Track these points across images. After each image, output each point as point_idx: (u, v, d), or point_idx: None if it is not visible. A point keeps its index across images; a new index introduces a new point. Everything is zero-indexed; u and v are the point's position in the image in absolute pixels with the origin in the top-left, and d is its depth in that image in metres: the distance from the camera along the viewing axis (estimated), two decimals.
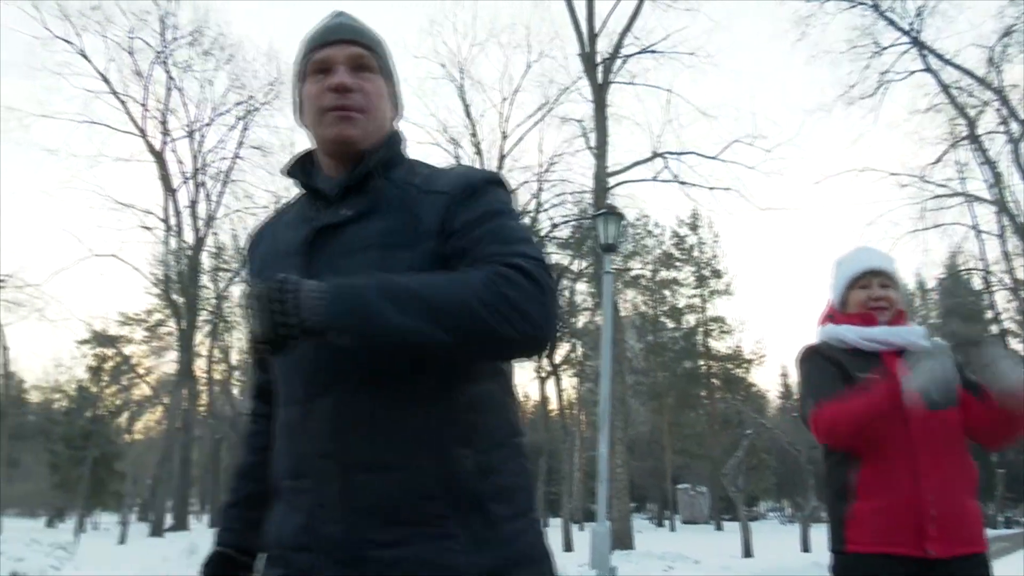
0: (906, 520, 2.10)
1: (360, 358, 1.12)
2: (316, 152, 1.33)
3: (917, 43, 19.76)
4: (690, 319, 42.34)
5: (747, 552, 19.08)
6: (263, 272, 1.25)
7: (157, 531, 24.94)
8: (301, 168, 1.33)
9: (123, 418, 27.03)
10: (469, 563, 1.10)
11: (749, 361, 42.32)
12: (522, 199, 25.66)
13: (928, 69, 19.84)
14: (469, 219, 1.18)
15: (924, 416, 2.13)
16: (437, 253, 1.17)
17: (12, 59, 61.64)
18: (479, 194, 1.22)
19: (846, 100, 20.70)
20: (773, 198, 69.48)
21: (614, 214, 11.67)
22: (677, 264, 42.36)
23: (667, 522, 41.49)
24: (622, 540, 16.97)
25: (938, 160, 19.98)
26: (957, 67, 19.50)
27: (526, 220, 23.68)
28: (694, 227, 42.36)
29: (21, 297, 23.34)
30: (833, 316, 2.39)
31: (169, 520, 27.83)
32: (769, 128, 57.03)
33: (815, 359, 2.32)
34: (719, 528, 38.37)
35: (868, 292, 2.34)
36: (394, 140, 1.31)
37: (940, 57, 19.69)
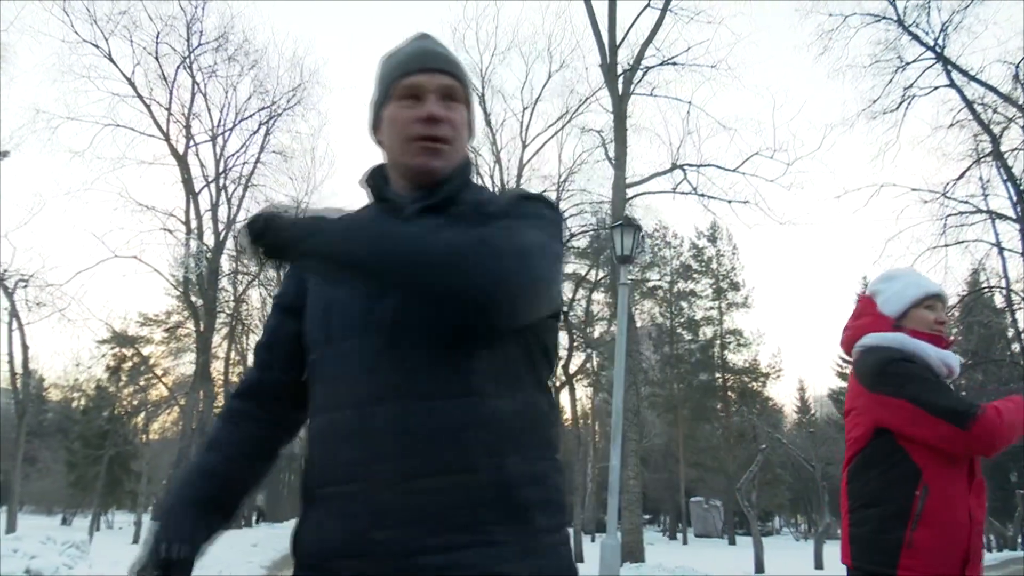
0: (959, 555, 2.08)
1: (421, 364, 1.15)
2: (387, 167, 1.34)
3: (941, 58, 19.55)
4: (707, 331, 42.27)
5: (759, 568, 18.92)
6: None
7: None
8: (373, 180, 1.34)
9: (140, 418, 27.13)
10: (517, 571, 1.10)
11: (766, 375, 42.10)
12: None
13: (952, 84, 19.61)
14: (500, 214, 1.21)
15: None
16: None
17: (41, 62, 62.72)
18: (523, 204, 1.25)
19: (868, 115, 20.52)
20: (793, 212, 69.15)
21: (631, 226, 11.62)
22: (695, 276, 42.32)
23: (680, 535, 41.16)
24: (633, 553, 16.85)
25: (961, 176, 19.65)
26: (981, 83, 19.25)
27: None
28: (713, 239, 42.33)
29: (43, 297, 23.48)
30: (899, 328, 2.30)
31: None
32: (790, 142, 56.99)
33: (922, 366, 2.19)
34: (732, 543, 38.03)
35: (935, 315, 2.32)
36: (467, 166, 1.34)
37: (964, 73, 19.46)
